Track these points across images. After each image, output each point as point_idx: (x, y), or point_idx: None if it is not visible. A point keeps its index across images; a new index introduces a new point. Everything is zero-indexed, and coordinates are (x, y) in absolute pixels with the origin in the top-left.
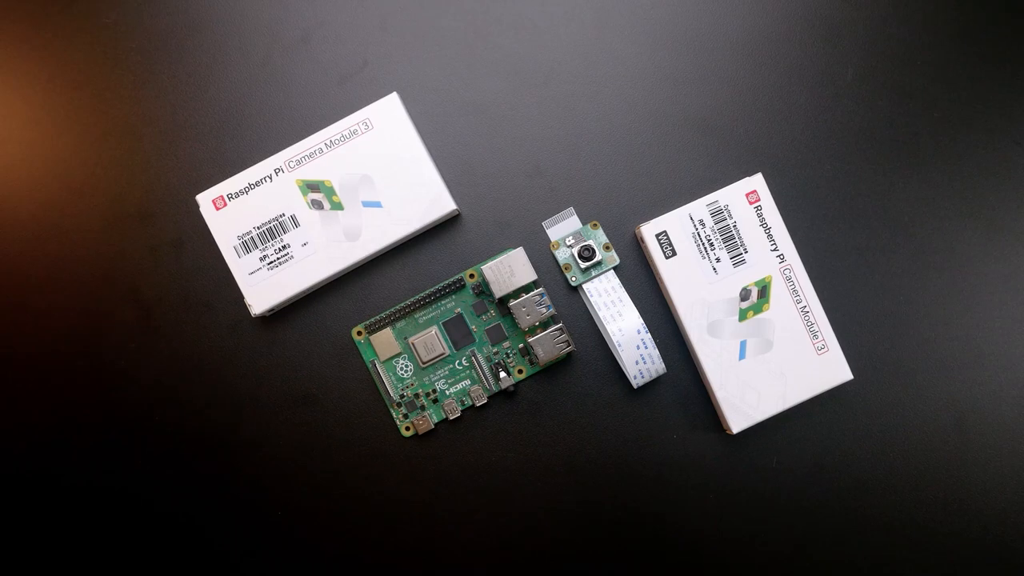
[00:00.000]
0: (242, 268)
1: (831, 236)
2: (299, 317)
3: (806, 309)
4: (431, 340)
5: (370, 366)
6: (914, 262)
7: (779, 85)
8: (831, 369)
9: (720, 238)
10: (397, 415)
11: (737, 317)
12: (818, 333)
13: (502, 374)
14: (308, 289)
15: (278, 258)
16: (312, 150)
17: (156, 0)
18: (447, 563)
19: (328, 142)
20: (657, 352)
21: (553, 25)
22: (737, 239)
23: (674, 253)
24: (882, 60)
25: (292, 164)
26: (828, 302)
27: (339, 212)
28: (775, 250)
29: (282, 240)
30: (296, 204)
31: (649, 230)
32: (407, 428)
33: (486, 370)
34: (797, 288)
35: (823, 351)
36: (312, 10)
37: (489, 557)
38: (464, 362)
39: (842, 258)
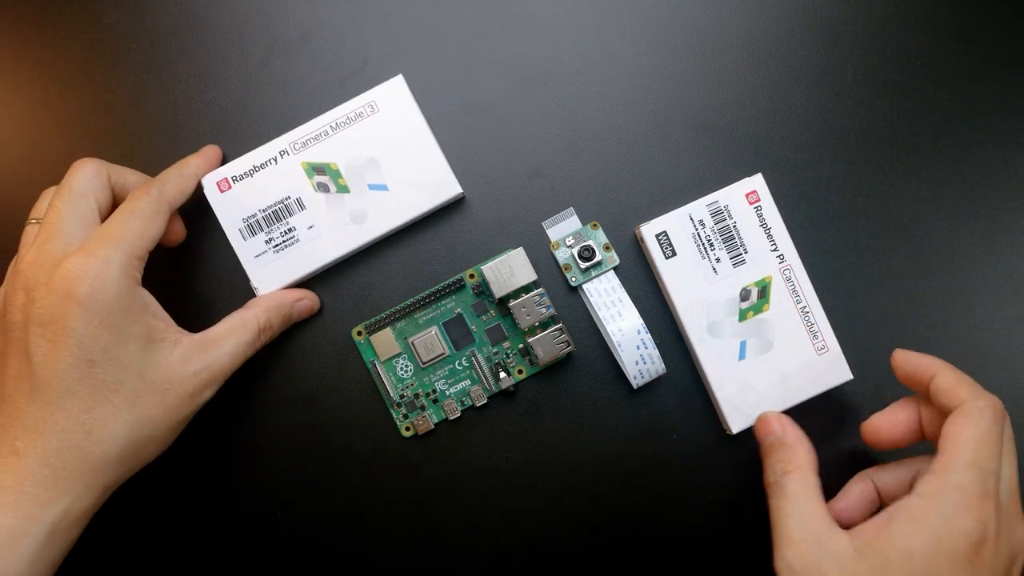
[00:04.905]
0: (248, 251)
1: (831, 236)
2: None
3: (806, 309)
4: (431, 340)
5: (370, 366)
6: (914, 262)
7: (779, 85)
8: (831, 369)
9: (720, 238)
10: (397, 415)
11: (737, 317)
12: (818, 333)
13: (502, 374)
14: (313, 272)
15: (284, 241)
16: (317, 132)
17: (156, 0)
18: (447, 563)
19: (333, 124)
20: (657, 352)
21: (553, 25)
22: (737, 239)
23: (674, 253)
24: (882, 60)
25: (297, 146)
26: (828, 302)
27: (345, 195)
28: (775, 250)
29: (288, 223)
30: (302, 187)
31: (649, 230)
32: (407, 428)
33: (486, 370)
34: (797, 288)
35: (823, 351)
36: (312, 10)
37: (489, 557)
38: (464, 362)
39: (842, 258)
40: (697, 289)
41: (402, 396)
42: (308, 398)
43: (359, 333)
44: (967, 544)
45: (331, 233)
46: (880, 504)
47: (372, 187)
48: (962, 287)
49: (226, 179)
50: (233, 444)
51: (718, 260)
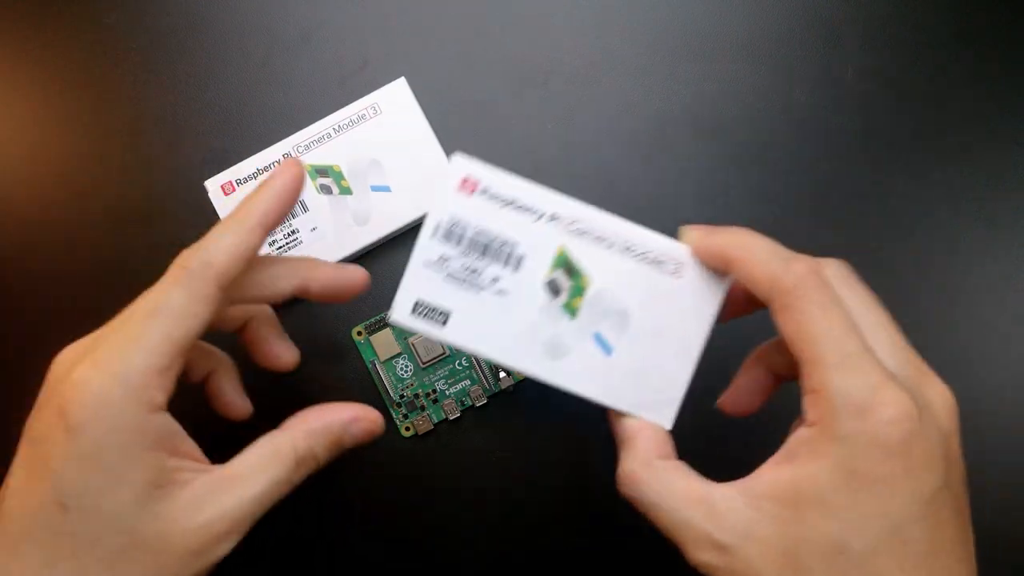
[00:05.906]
0: None
1: (831, 236)
2: (299, 317)
3: (627, 245)
4: (431, 340)
5: (370, 366)
6: (914, 262)
7: (779, 85)
8: (705, 286)
9: (477, 255)
10: (397, 415)
11: (567, 316)
12: (658, 259)
13: (502, 374)
14: None
15: (287, 243)
16: (320, 135)
17: (156, 0)
18: (447, 563)
19: (336, 127)
20: None
21: (553, 25)
22: (495, 243)
23: (447, 314)
24: (882, 60)
25: (300, 149)
26: None
27: (348, 197)
28: (540, 217)
29: (291, 225)
30: (305, 189)
31: (402, 310)
32: (407, 428)
33: (486, 370)
34: (598, 233)
35: (678, 270)
36: (312, 10)
37: (489, 557)
38: (464, 362)
39: (842, 258)
40: (502, 326)
41: (402, 396)
42: (308, 398)
43: (359, 333)
44: (888, 454)
45: (334, 235)
46: (780, 380)
47: (375, 188)
48: (962, 287)
49: (231, 182)
50: (232, 444)
51: (495, 280)
